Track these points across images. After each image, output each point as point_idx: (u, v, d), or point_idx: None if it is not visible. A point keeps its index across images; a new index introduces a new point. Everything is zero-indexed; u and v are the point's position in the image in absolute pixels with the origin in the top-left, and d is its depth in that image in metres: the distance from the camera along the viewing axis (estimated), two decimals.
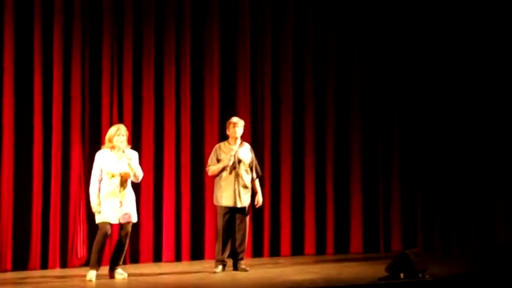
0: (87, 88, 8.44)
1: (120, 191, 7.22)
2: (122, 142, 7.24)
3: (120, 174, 7.21)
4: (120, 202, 7.20)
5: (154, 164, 8.74)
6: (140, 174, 7.37)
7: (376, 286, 6.83)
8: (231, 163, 7.72)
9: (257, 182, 7.97)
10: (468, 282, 7.16)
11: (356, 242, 9.65)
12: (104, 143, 7.38)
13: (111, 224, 7.24)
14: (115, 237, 7.57)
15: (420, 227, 9.85)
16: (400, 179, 9.88)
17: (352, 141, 9.77)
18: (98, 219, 7.20)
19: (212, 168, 7.84)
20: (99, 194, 7.16)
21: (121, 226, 7.30)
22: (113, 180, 7.20)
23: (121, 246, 7.31)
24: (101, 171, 7.22)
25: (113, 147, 7.28)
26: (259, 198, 7.95)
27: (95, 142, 8.27)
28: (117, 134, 7.25)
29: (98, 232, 7.21)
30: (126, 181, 7.27)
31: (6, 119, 8.00)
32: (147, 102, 8.77)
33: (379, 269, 7.32)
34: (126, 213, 7.26)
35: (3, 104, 8.01)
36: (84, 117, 8.42)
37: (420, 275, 7.03)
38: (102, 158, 7.25)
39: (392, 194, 9.86)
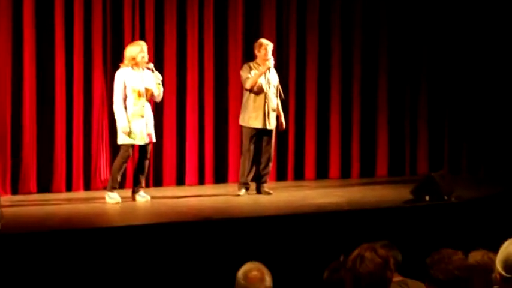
0: (109, 6, 8.25)
1: (145, 111, 7.12)
2: (145, 58, 7.10)
3: (148, 91, 7.08)
4: (146, 123, 7.13)
5: (177, 85, 8.60)
6: (161, 92, 7.27)
7: (401, 209, 6.77)
8: (271, 64, 7.53)
9: (280, 105, 7.84)
10: (494, 204, 7.09)
11: (382, 165, 9.53)
12: (123, 61, 7.22)
13: (133, 146, 7.18)
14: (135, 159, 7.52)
15: (447, 150, 9.72)
16: (427, 102, 9.70)
17: (380, 65, 9.53)
18: (123, 140, 7.10)
19: (250, 80, 7.57)
20: (126, 114, 7.05)
21: (142, 147, 7.22)
22: (140, 100, 7.09)
23: (143, 168, 7.26)
24: (125, 89, 7.08)
25: (136, 65, 7.13)
26: (282, 121, 7.85)
27: (116, 61, 8.16)
28: (142, 51, 7.10)
29: (121, 153, 7.14)
30: (149, 100, 7.18)
31: (26, 39, 7.87)
32: (169, 21, 8.54)
33: (404, 192, 7.25)
34: (149, 133, 7.18)
35: (24, 24, 7.87)
36: (106, 36, 8.25)
37: (446, 197, 6.96)
38: (125, 76, 7.09)
39: (419, 116, 9.70)
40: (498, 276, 2.60)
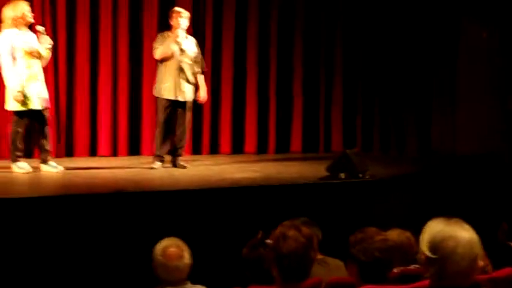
0: None
1: (39, 73, 6.73)
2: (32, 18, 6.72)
3: (39, 53, 6.69)
4: (42, 86, 6.75)
5: (90, 52, 8.34)
6: (47, 56, 6.88)
7: (317, 186, 6.78)
8: (179, 37, 7.33)
9: (201, 77, 7.68)
10: (407, 183, 7.20)
11: (296, 141, 9.57)
12: (2, 22, 6.72)
13: (29, 111, 6.72)
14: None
15: (360, 129, 9.83)
16: (342, 80, 9.76)
17: (295, 41, 9.52)
18: (16, 107, 6.66)
19: (159, 50, 7.42)
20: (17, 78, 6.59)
21: (40, 112, 6.81)
22: (33, 61, 6.70)
23: (45, 135, 6.89)
24: (13, 51, 6.60)
25: (22, 25, 6.66)
26: (202, 94, 7.70)
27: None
28: (30, 10, 6.71)
29: (16, 122, 6.73)
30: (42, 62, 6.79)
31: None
32: None
33: (319, 169, 7.26)
34: (45, 98, 6.82)
35: None
36: None
37: (360, 175, 7.01)
38: (11, 37, 6.61)
39: (334, 95, 9.77)
40: (423, 257, 2.58)
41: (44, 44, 6.81)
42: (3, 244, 5.16)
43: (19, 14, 6.67)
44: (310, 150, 9.53)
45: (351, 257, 3.22)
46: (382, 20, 9.68)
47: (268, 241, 3.67)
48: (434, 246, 2.56)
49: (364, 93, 9.83)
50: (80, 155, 8.35)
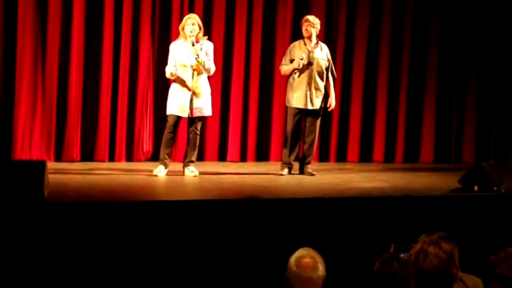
0: None
1: (192, 84, 7.03)
2: (192, 32, 6.98)
3: (192, 66, 7.01)
4: (192, 96, 7.01)
5: (223, 61, 8.52)
6: (211, 67, 7.13)
7: (449, 198, 6.60)
8: (301, 66, 7.43)
9: (332, 84, 7.69)
10: None
11: (426, 151, 9.36)
12: (179, 33, 7.16)
13: (179, 118, 7.10)
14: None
15: (493, 140, 9.51)
16: (476, 88, 9.48)
17: (429, 53, 9.32)
18: (167, 111, 7.08)
19: (284, 68, 7.58)
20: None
21: (192, 121, 7.15)
22: (185, 73, 7.00)
23: (190, 142, 7.20)
24: (175, 60, 7.03)
25: (185, 37, 7.04)
26: (331, 101, 7.70)
27: (164, 33, 8.11)
28: (187, 23, 7.00)
29: (166, 125, 7.12)
30: (199, 74, 7.07)
31: (76, 7, 7.83)
32: None
33: (451, 180, 7.08)
34: (197, 108, 7.09)
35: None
36: (155, 7, 8.18)
37: (495, 188, 6.78)
38: (175, 49, 7.06)
39: (467, 103, 9.49)
40: None
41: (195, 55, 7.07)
42: (144, 244, 5.32)
43: (182, 26, 7.05)
44: (441, 161, 9.30)
45: (494, 276, 3.11)
46: None
47: (402, 255, 3.60)
48: None
49: (499, 101, 9.50)
50: (210, 160, 8.52)
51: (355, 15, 9.08)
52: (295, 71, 7.47)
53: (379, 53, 9.20)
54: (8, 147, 7.58)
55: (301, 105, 7.50)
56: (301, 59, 7.40)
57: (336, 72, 7.81)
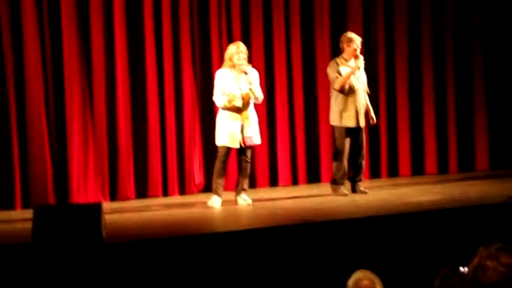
0: (196, 10, 8.26)
1: (241, 114, 7.07)
2: (241, 60, 7.00)
3: (242, 96, 7.04)
4: (242, 125, 7.06)
5: (266, 85, 8.51)
6: (261, 96, 7.16)
7: (505, 206, 6.50)
8: (362, 65, 7.38)
9: (368, 100, 7.67)
10: None
11: (482, 158, 9.21)
12: (223, 62, 7.19)
13: (230, 148, 7.15)
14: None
15: None
16: None
17: (475, 52, 9.22)
18: (217, 142, 7.11)
19: (339, 79, 7.44)
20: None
21: (242, 149, 7.17)
22: (235, 102, 7.03)
23: (241, 171, 7.24)
24: (222, 89, 7.04)
25: (232, 66, 7.07)
26: (372, 116, 7.66)
27: (205, 62, 8.19)
28: (237, 52, 7.00)
29: (217, 155, 7.16)
30: (248, 103, 7.09)
31: (119, 47, 7.97)
32: (255, 20, 8.51)
33: (507, 187, 6.98)
34: (248, 137, 7.11)
35: (115, 32, 7.97)
36: (194, 39, 8.28)
37: None
38: (222, 78, 7.06)
39: None
40: None
41: (247, 84, 7.10)
42: (205, 277, 5.36)
43: (229, 55, 7.08)
44: (498, 167, 9.12)
45: None
46: None
47: (462, 270, 3.56)
48: None
49: None
50: (262, 186, 8.55)
51: (393, 25, 9.04)
52: (344, 86, 7.41)
53: (421, 62, 9.13)
54: (64, 191, 7.71)
55: (352, 124, 7.47)
56: (359, 59, 7.36)
57: (369, 88, 7.75)
